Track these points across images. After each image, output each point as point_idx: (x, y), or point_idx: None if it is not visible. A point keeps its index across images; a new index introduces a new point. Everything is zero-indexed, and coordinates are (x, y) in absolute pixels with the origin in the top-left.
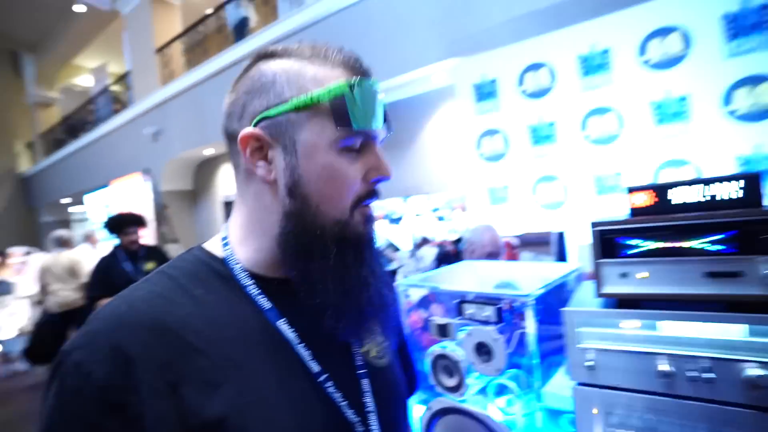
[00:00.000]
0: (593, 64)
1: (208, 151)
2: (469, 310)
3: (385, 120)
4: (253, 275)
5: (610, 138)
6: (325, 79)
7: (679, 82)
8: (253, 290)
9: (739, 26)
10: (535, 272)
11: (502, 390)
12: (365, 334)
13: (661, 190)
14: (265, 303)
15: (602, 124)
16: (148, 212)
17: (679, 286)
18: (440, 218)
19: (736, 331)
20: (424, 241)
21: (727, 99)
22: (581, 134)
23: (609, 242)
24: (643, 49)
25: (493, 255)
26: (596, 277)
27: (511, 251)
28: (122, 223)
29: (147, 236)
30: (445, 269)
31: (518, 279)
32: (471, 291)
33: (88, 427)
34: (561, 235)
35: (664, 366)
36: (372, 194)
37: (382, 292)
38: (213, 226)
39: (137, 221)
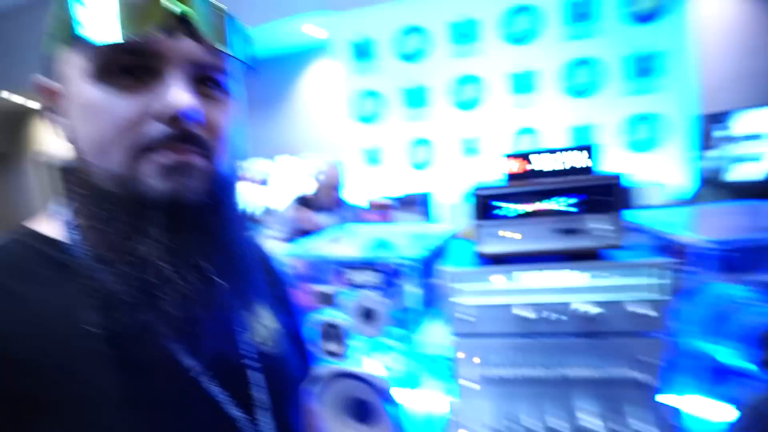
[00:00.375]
0: (463, 33)
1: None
2: (353, 275)
3: (192, 33)
4: (102, 253)
5: (473, 103)
6: None
7: (530, 57)
8: (105, 275)
9: (576, 13)
10: (414, 233)
11: (385, 349)
12: (235, 321)
13: (527, 156)
14: (126, 282)
15: (469, 91)
16: None
17: (539, 242)
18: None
19: (577, 276)
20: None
21: (566, 76)
22: (449, 99)
23: (485, 204)
24: (505, 24)
25: (334, 188)
26: (476, 237)
27: (386, 211)
28: None
29: None
30: (325, 234)
31: (398, 241)
32: (354, 257)
33: None
34: (429, 196)
35: (526, 312)
36: (167, 138)
37: (219, 268)
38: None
39: None
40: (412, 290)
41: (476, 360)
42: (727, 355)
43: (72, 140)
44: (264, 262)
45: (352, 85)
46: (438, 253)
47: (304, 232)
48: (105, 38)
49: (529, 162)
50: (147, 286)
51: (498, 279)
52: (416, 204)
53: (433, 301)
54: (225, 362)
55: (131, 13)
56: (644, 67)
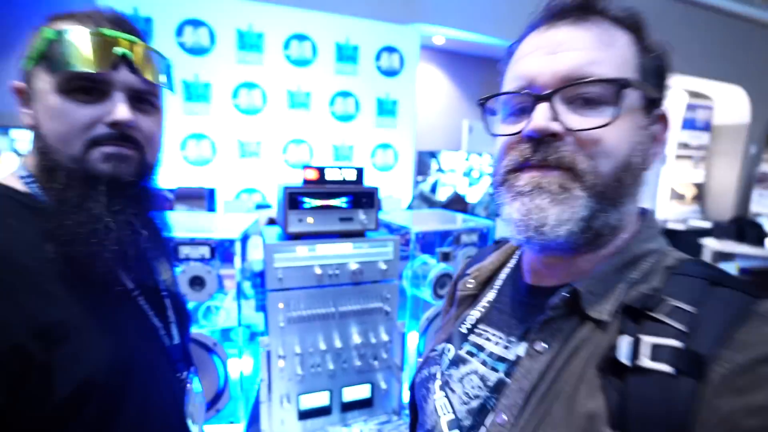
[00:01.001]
0: (249, 42)
1: None
2: (185, 250)
3: (131, 68)
4: (60, 207)
5: (255, 110)
6: (60, 29)
7: (306, 79)
8: (66, 221)
9: (342, 55)
10: (226, 221)
11: (210, 310)
12: (155, 261)
13: (321, 170)
14: (84, 230)
15: (250, 98)
16: None
17: (327, 226)
18: None
19: (349, 247)
20: None
21: (332, 102)
22: (231, 102)
23: (293, 199)
24: (287, 45)
25: None
26: (285, 221)
27: (167, 203)
28: None
29: None
30: None
31: (212, 226)
32: (186, 236)
33: None
34: (212, 191)
35: (318, 270)
36: (110, 137)
37: (143, 223)
38: None
39: None
40: (237, 263)
41: (280, 305)
42: (423, 293)
43: (36, 128)
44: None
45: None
46: (248, 235)
47: None
48: (69, 66)
49: (322, 173)
50: (96, 230)
51: (301, 249)
52: (197, 197)
53: (247, 274)
54: (151, 289)
55: (89, 52)
56: (387, 108)
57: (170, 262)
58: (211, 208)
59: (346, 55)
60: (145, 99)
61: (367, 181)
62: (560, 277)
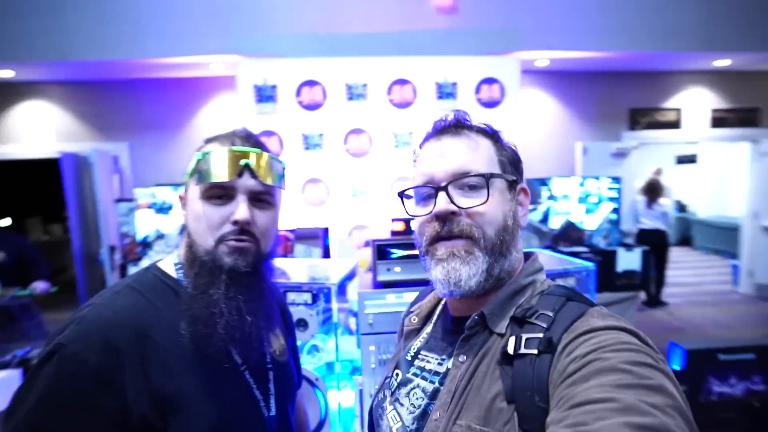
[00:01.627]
0: (356, 93)
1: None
2: (291, 296)
3: (252, 175)
4: (193, 292)
5: (362, 153)
6: (205, 151)
7: (408, 121)
8: (196, 306)
9: (442, 93)
10: (329, 266)
11: (314, 349)
12: (264, 336)
13: (407, 221)
14: (204, 313)
15: (359, 142)
16: None
17: (413, 274)
18: None
19: None
20: None
21: None
22: (343, 147)
23: (381, 251)
24: (389, 91)
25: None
26: (374, 270)
27: (286, 243)
28: None
29: None
30: None
31: (319, 271)
32: (291, 282)
33: (82, 400)
34: (326, 231)
35: None
36: (233, 233)
37: (252, 307)
38: None
39: None
40: (334, 306)
41: (372, 348)
42: None
43: (186, 226)
44: (279, 300)
45: (253, 123)
46: (347, 279)
47: None
48: (209, 179)
49: (408, 224)
50: (213, 313)
51: (390, 296)
52: (314, 237)
53: (343, 315)
54: (257, 364)
55: (223, 165)
56: None
57: (287, 334)
58: (325, 245)
59: (445, 92)
60: (262, 198)
61: None
62: (475, 309)
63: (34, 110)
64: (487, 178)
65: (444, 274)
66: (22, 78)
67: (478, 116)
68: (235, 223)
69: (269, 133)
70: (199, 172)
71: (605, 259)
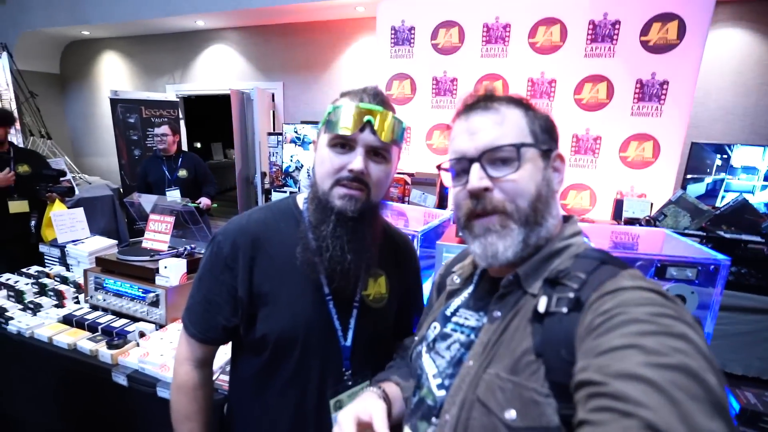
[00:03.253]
0: (495, 35)
1: (84, 32)
2: None
3: (372, 131)
4: (310, 224)
5: None
6: (336, 105)
7: (552, 66)
8: (309, 234)
9: (597, 34)
10: (423, 215)
11: None
12: (360, 278)
13: None
14: (312, 243)
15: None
16: (5, 96)
17: None
18: None
19: None
20: None
21: (581, 89)
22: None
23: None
24: (532, 33)
25: None
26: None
27: (404, 187)
28: None
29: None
30: None
31: (411, 218)
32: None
33: (218, 272)
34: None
35: None
36: (348, 179)
37: (353, 248)
38: (91, 122)
39: None
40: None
41: None
42: None
43: (314, 167)
44: (401, 249)
45: (388, 66)
46: (437, 229)
47: None
48: (336, 130)
49: None
50: (320, 247)
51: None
52: (431, 183)
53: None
54: (342, 297)
55: (349, 120)
56: (649, 92)
57: (402, 282)
58: (441, 192)
59: (602, 33)
60: (379, 153)
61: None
62: (512, 271)
63: (216, 53)
64: (518, 148)
65: (481, 249)
66: (210, 26)
67: (643, 62)
68: (351, 171)
69: (403, 76)
70: (329, 123)
71: None
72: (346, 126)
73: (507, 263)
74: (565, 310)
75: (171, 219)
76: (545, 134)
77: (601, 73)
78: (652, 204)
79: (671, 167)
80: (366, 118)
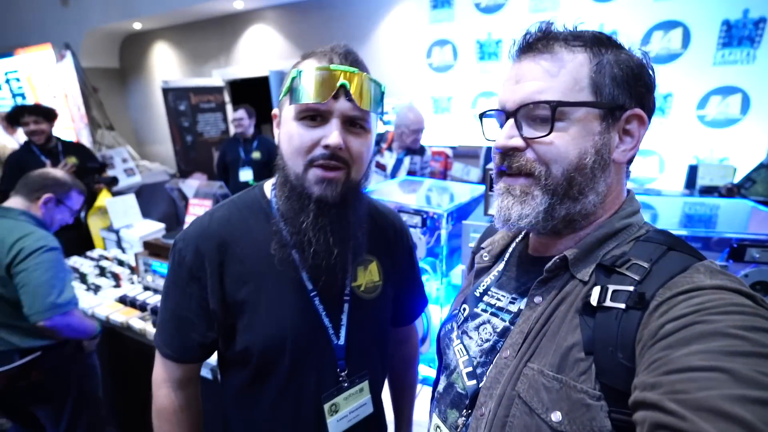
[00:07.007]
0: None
1: (136, 25)
2: (404, 217)
3: (348, 97)
4: (282, 215)
5: None
6: (299, 69)
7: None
8: (283, 227)
9: None
10: (451, 192)
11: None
12: (349, 270)
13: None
14: (288, 237)
15: None
16: (73, 93)
17: None
18: (386, 122)
19: None
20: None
21: (648, 37)
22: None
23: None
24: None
25: (418, 132)
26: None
27: (446, 160)
28: (18, 113)
29: (60, 129)
30: (386, 184)
31: (437, 196)
32: (404, 204)
33: (184, 284)
34: (489, 150)
35: None
36: (324, 157)
37: (338, 239)
38: (149, 112)
39: (36, 111)
40: (443, 233)
41: None
42: None
43: (279, 147)
44: (389, 227)
45: (429, 32)
46: (467, 207)
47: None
48: (302, 100)
49: None
50: (301, 243)
51: None
52: (474, 156)
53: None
54: (329, 293)
55: (317, 86)
56: (738, 34)
57: (396, 267)
58: (485, 164)
59: None
60: (356, 123)
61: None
62: (554, 250)
63: (257, 34)
64: (554, 107)
65: (497, 210)
66: (248, 7)
67: None
68: (327, 147)
69: (443, 42)
70: (294, 91)
71: None
72: (314, 94)
73: (531, 229)
74: (623, 306)
75: (209, 203)
76: (620, 87)
77: (674, 18)
78: (735, 169)
79: (763, 125)
80: (339, 82)
